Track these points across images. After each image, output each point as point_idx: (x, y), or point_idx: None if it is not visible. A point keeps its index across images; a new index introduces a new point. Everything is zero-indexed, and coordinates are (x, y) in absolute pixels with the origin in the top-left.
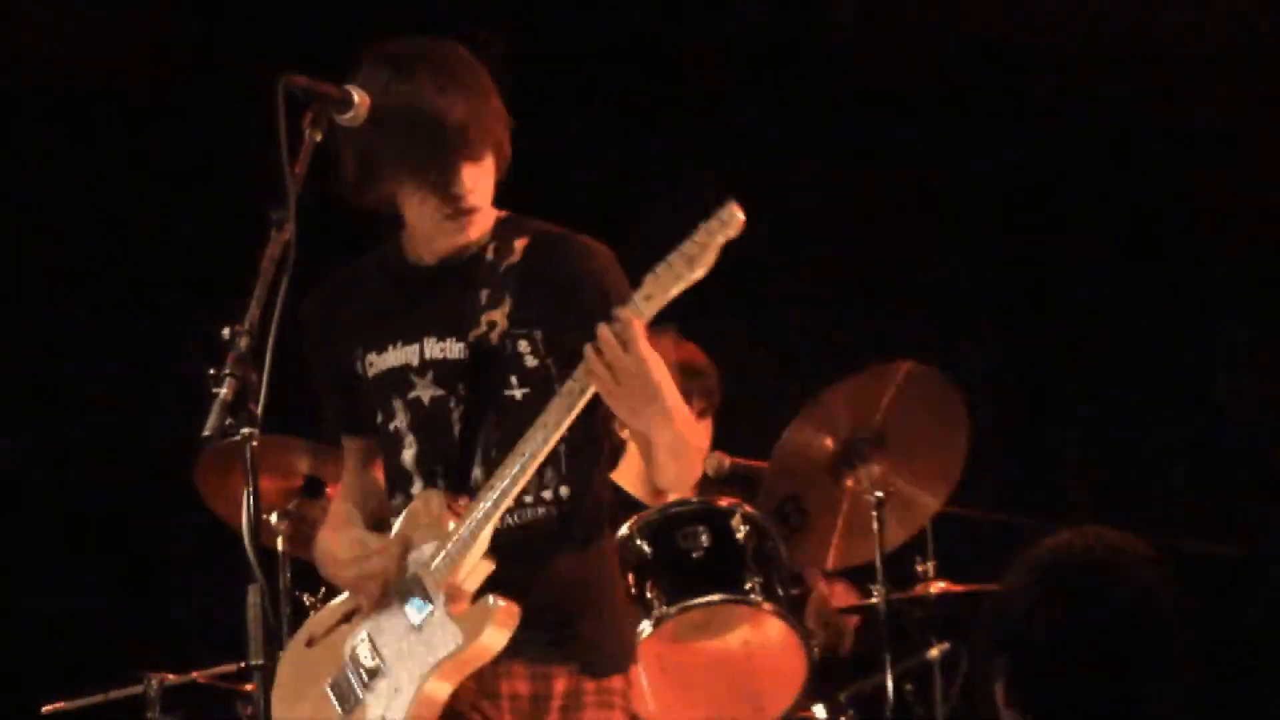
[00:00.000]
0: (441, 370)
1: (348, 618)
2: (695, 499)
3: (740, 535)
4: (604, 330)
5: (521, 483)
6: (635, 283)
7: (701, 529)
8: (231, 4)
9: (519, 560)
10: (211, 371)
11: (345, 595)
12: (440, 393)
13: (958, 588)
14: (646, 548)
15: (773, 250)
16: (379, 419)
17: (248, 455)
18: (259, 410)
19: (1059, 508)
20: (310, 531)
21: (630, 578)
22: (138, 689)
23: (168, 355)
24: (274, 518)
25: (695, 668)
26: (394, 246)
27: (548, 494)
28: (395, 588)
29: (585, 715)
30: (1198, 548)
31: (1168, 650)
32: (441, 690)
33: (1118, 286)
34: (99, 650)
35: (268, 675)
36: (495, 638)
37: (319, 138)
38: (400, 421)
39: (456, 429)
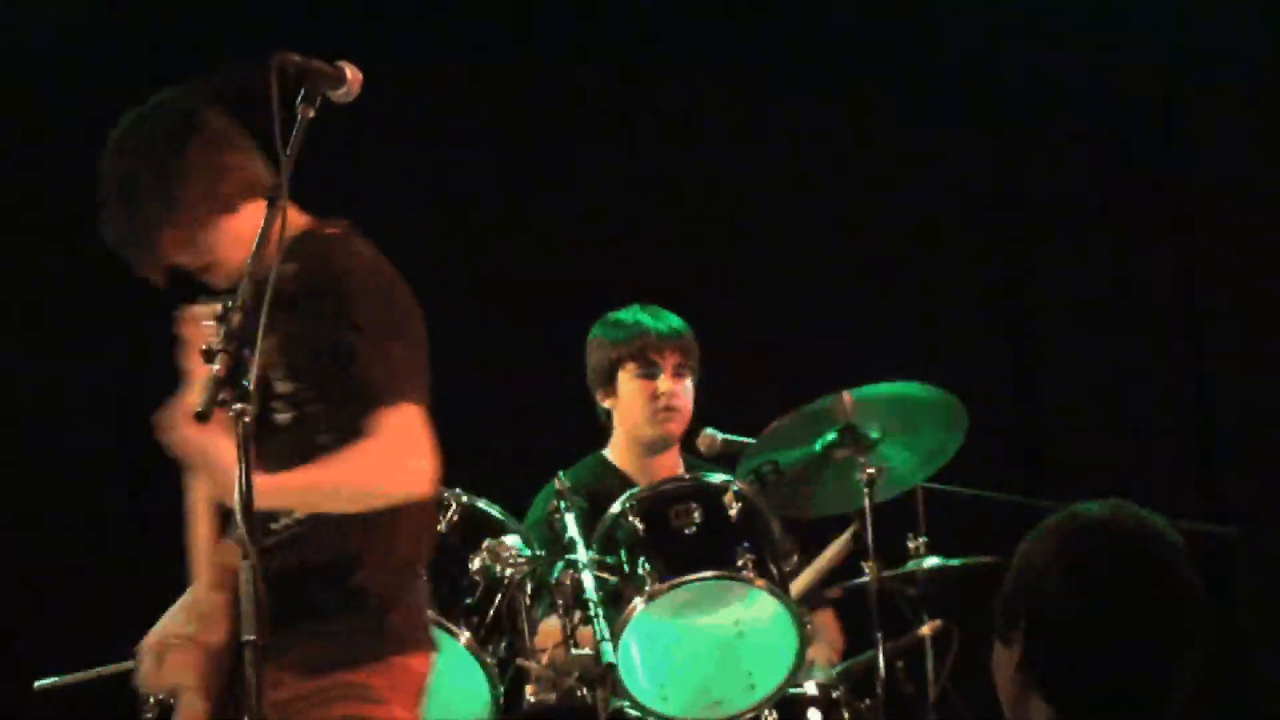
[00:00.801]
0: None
1: None
2: (687, 476)
3: (733, 513)
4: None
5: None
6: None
7: (694, 506)
8: None
9: (271, 575)
10: (204, 348)
11: None
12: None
13: (950, 564)
14: (639, 524)
15: (781, 245)
16: None
17: (240, 431)
18: (251, 386)
19: (1051, 484)
20: None
21: (623, 554)
22: (131, 665)
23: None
24: None
25: (687, 644)
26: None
27: (285, 520)
28: None
29: (311, 715)
30: (1190, 527)
31: (1198, 636)
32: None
33: (1108, 259)
34: (92, 626)
35: (259, 651)
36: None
37: (312, 115)
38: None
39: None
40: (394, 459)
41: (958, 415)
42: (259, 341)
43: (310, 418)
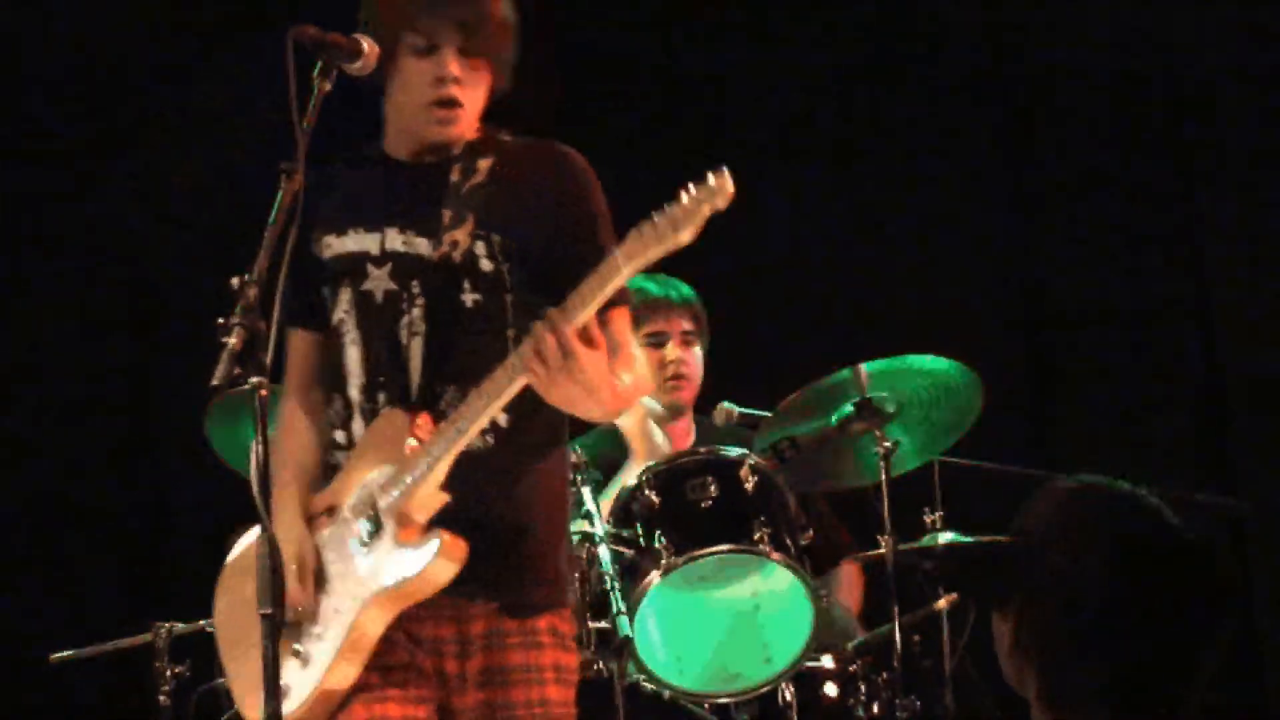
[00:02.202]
0: (400, 264)
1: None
2: (703, 450)
3: (749, 486)
4: (539, 328)
5: (484, 421)
6: (621, 237)
7: (710, 479)
8: None
9: (455, 490)
10: (220, 321)
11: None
12: (393, 288)
13: (966, 539)
14: (655, 498)
15: (797, 216)
16: (324, 308)
17: (256, 405)
18: (268, 359)
19: (1065, 458)
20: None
21: (639, 528)
22: (146, 638)
23: (177, 304)
24: None
25: (704, 617)
26: (372, 142)
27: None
28: (350, 504)
29: (510, 657)
30: (1202, 501)
31: (1198, 607)
32: (378, 619)
33: (1119, 239)
34: (107, 599)
35: (275, 624)
36: (441, 571)
37: (328, 88)
38: (345, 314)
39: (403, 332)
40: (638, 388)
41: (974, 389)
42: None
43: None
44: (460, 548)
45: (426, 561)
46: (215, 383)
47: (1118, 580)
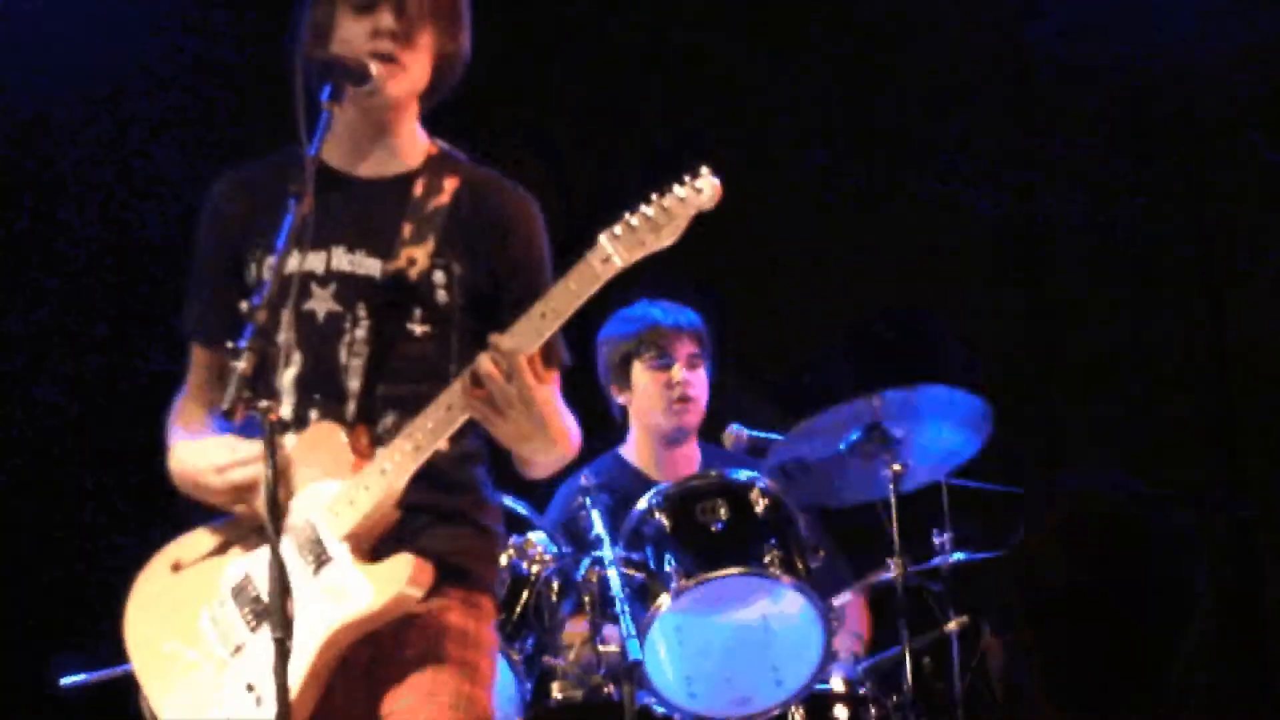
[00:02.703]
0: (346, 285)
1: (223, 547)
2: (713, 472)
3: (759, 509)
4: (484, 361)
5: (443, 439)
6: (589, 239)
7: (720, 502)
8: None
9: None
10: (230, 345)
11: (220, 522)
12: (337, 309)
13: (976, 559)
14: (665, 521)
15: (801, 243)
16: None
17: (266, 427)
18: (277, 383)
19: (1076, 477)
20: None
21: (649, 551)
22: None
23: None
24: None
25: (714, 640)
26: (291, 147)
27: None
28: (288, 524)
29: (450, 616)
30: (1213, 506)
31: (1192, 615)
32: (342, 643)
33: (1137, 288)
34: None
35: (283, 648)
36: (409, 596)
37: (338, 112)
38: (285, 335)
39: (343, 352)
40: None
41: (984, 417)
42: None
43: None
44: (428, 571)
45: (393, 589)
46: (225, 407)
47: (1110, 583)
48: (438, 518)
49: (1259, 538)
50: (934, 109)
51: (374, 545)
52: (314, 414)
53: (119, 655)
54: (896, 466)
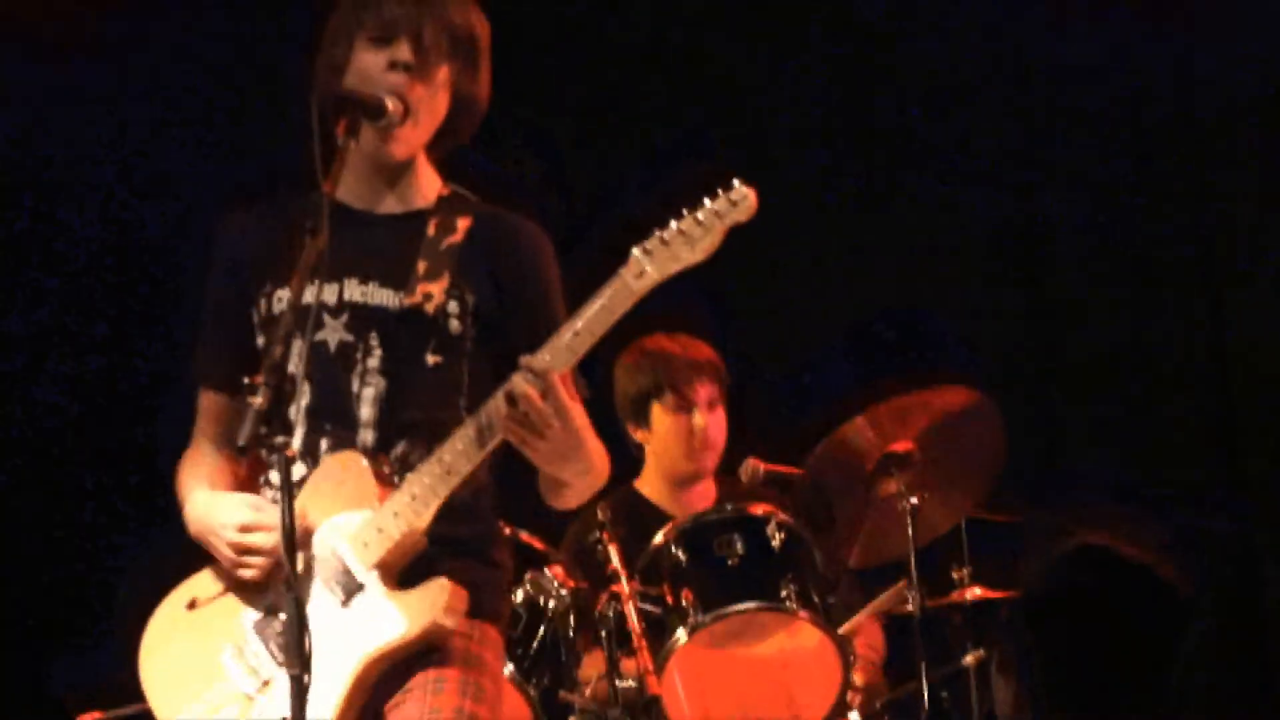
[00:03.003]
0: (358, 315)
1: (241, 584)
2: (730, 507)
3: (775, 543)
4: (519, 382)
5: (475, 464)
6: (622, 257)
7: (737, 537)
8: None
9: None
10: (246, 380)
11: None
12: (349, 338)
13: (993, 594)
14: (682, 555)
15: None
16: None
17: (283, 464)
18: (294, 419)
19: (1090, 511)
20: None
21: (666, 586)
22: None
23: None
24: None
25: (731, 675)
26: (299, 186)
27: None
28: (308, 555)
29: (455, 641)
30: (1213, 506)
31: (1191, 638)
32: (376, 671)
33: (1137, 288)
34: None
35: (301, 686)
36: (445, 623)
37: (353, 146)
38: (294, 366)
39: (355, 382)
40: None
41: (991, 414)
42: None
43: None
44: (462, 596)
45: (428, 616)
46: (242, 443)
47: (1095, 626)
48: (448, 547)
49: (1259, 538)
50: (934, 108)
51: (401, 573)
52: (324, 443)
53: (120, 663)
54: (915, 499)
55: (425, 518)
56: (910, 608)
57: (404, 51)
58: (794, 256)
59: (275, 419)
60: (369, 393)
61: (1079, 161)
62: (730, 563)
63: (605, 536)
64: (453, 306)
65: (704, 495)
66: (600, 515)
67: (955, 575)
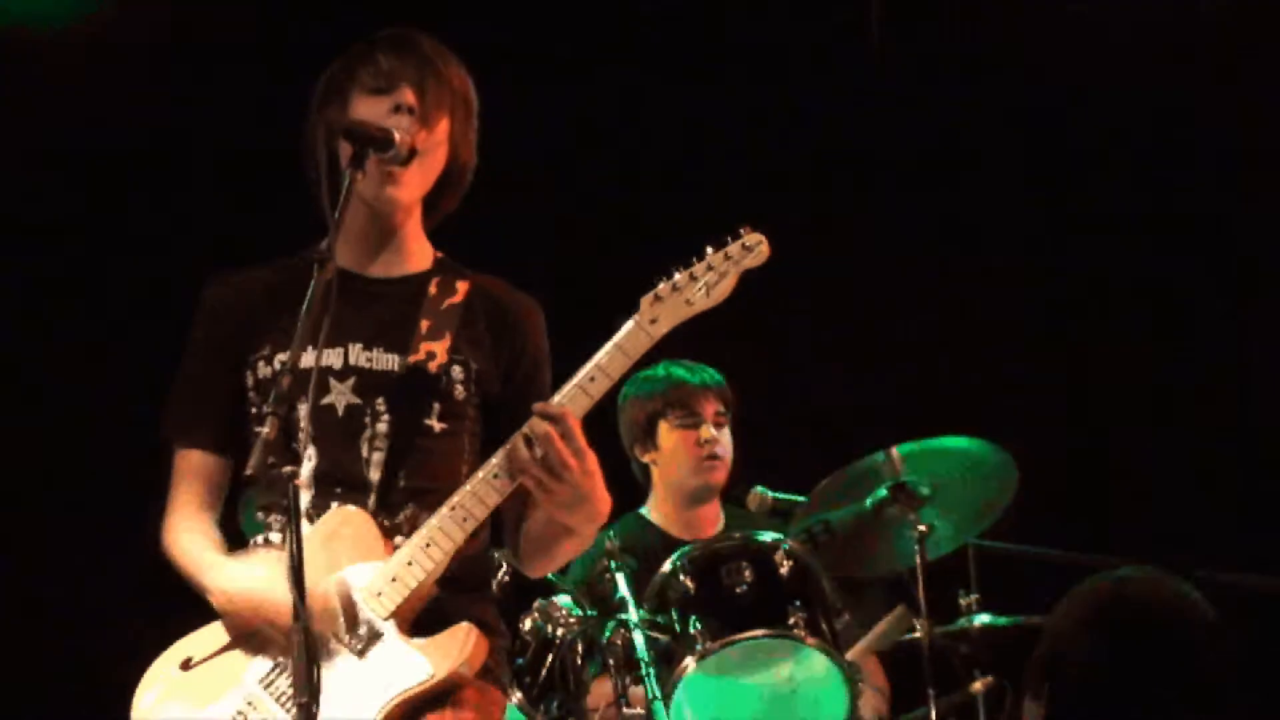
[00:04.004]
0: (364, 379)
1: (239, 641)
2: (738, 534)
3: (783, 571)
4: (537, 424)
5: (491, 508)
6: (631, 304)
7: (745, 565)
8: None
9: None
10: (254, 410)
11: (228, 619)
12: (356, 402)
13: (1001, 622)
14: (690, 584)
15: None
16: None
17: (290, 493)
18: (302, 449)
19: (1103, 542)
20: None
21: (674, 613)
22: None
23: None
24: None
25: (739, 703)
26: (298, 252)
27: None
28: (317, 610)
29: (466, 693)
30: (1244, 580)
31: (1219, 695)
32: (398, 717)
33: (1157, 320)
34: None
35: (307, 714)
36: (470, 668)
37: (361, 178)
38: (300, 429)
39: (364, 446)
40: None
41: (1008, 469)
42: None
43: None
44: (485, 643)
45: (452, 660)
46: (249, 472)
47: (1142, 671)
48: (451, 586)
49: None
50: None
51: (415, 621)
52: (335, 505)
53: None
54: (922, 527)
55: (441, 565)
56: (918, 635)
57: (407, 96)
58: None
59: (285, 450)
60: (378, 457)
61: (1111, 217)
62: (738, 591)
63: (612, 565)
64: (456, 371)
65: (711, 518)
66: (608, 544)
67: (963, 603)
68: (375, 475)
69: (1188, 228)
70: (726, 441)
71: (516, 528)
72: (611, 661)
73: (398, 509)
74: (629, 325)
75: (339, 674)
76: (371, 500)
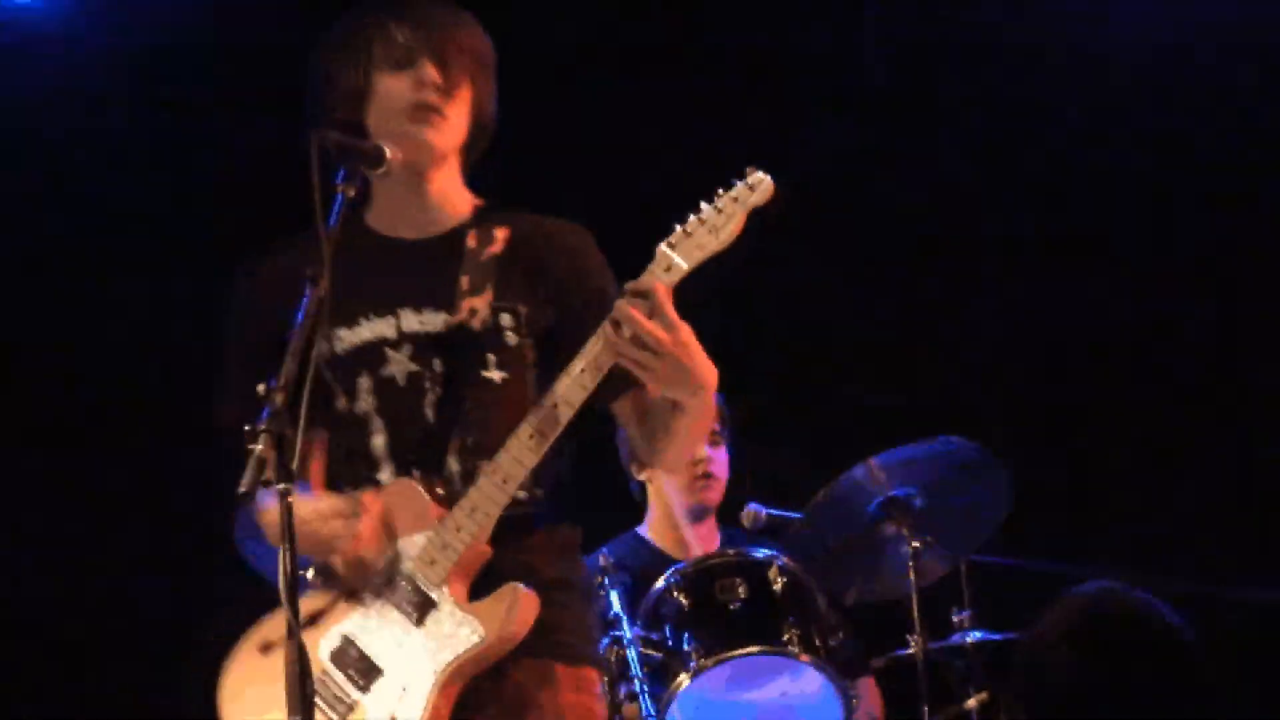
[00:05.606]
0: (419, 344)
1: (310, 620)
2: (731, 551)
3: (777, 587)
4: (622, 305)
5: (527, 470)
6: (648, 251)
7: (739, 580)
8: None
9: (503, 549)
10: (247, 428)
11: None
12: (415, 368)
13: (995, 637)
14: (684, 599)
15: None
16: (340, 403)
17: (284, 511)
18: (294, 466)
19: (1096, 555)
20: None
21: (667, 630)
22: None
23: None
24: (309, 574)
25: (734, 719)
26: (354, 221)
27: (524, 493)
28: (378, 583)
29: (564, 697)
30: (1240, 593)
31: (1197, 700)
32: (457, 685)
33: (1156, 333)
34: (138, 711)
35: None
36: (520, 628)
37: (352, 194)
38: (366, 404)
39: (429, 411)
40: None
41: (997, 471)
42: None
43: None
44: (534, 600)
45: (504, 622)
46: (243, 489)
47: (1115, 682)
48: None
49: None
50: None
51: (471, 584)
52: (416, 474)
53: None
54: (916, 543)
55: (487, 528)
56: (914, 651)
57: (430, 73)
58: (812, 366)
59: (279, 467)
60: (442, 419)
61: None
62: (732, 607)
63: (606, 582)
64: (505, 319)
65: (707, 537)
66: (602, 561)
67: (956, 619)
68: (443, 438)
69: (1175, 237)
70: (721, 460)
71: (639, 428)
72: (605, 679)
73: (473, 472)
74: (645, 276)
75: (400, 645)
76: (447, 464)
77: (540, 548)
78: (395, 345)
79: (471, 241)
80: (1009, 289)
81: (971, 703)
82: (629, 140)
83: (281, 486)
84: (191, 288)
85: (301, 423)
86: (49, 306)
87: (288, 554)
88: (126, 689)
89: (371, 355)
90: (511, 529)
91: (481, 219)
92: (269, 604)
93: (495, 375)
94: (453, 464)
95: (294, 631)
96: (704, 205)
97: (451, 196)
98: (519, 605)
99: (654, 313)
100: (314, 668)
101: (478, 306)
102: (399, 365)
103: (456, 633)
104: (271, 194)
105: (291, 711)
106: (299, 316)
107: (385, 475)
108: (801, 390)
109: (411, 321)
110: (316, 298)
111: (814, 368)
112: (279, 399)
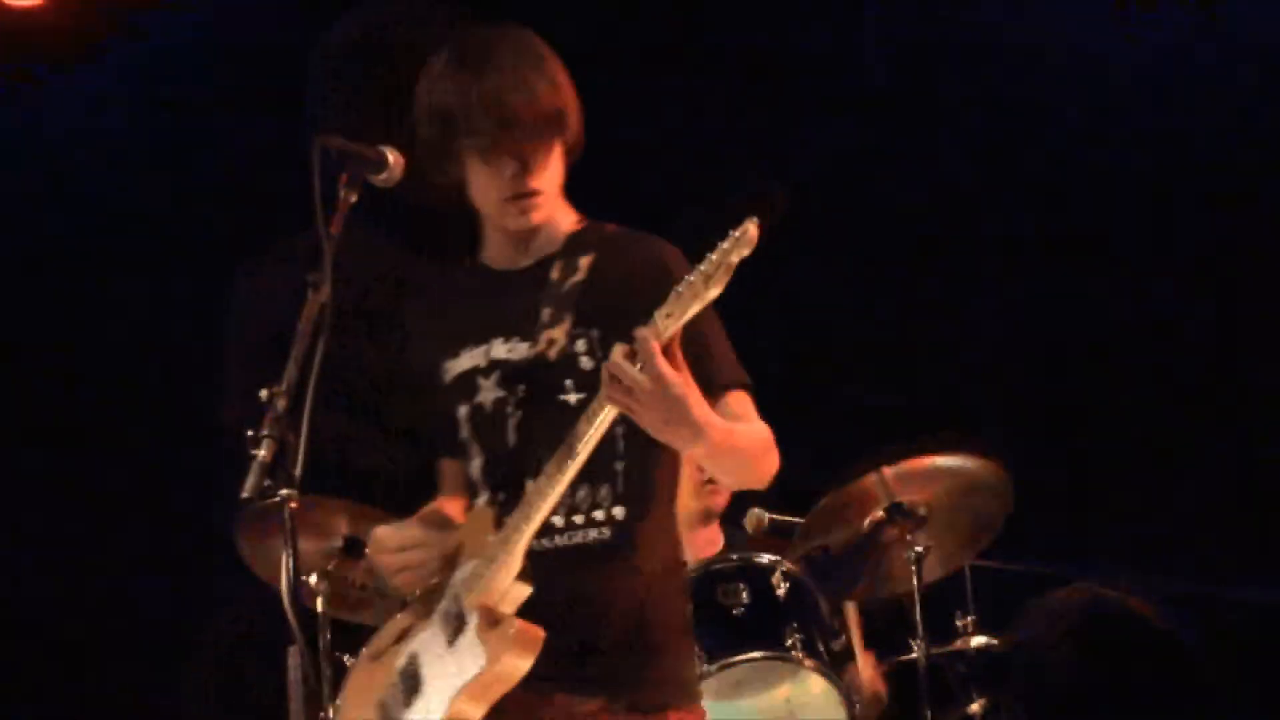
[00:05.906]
0: (505, 370)
1: (403, 634)
2: (734, 556)
3: (780, 592)
4: (617, 352)
5: (552, 500)
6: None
7: (742, 586)
8: None
9: (563, 584)
10: (250, 433)
11: (406, 609)
12: (501, 394)
13: (998, 642)
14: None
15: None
16: (452, 432)
17: (286, 517)
18: (297, 471)
19: (1096, 555)
20: (350, 592)
21: None
22: None
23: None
24: (313, 579)
25: None
26: (466, 251)
27: (600, 514)
28: (438, 605)
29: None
30: (1241, 594)
31: (1197, 701)
32: (471, 713)
33: (1156, 333)
34: (138, 711)
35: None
36: (514, 662)
37: (354, 199)
38: (465, 431)
39: (512, 436)
40: (770, 441)
41: (1003, 487)
42: None
43: None
44: (535, 635)
45: (499, 654)
46: (245, 495)
47: (1099, 679)
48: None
49: None
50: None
51: (507, 616)
52: (502, 496)
53: None
54: (918, 548)
55: (516, 556)
56: (916, 655)
57: (514, 167)
58: (815, 371)
59: (280, 472)
60: (523, 443)
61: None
62: (735, 612)
63: None
64: (580, 345)
65: (712, 541)
66: None
67: (959, 623)
68: (524, 461)
69: (1175, 237)
70: None
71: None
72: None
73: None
74: (644, 327)
75: (432, 664)
76: (525, 486)
77: (622, 584)
78: (485, 373)
79: (555, 273)
80: (1009, 289)
81: (974, 708)
82: (629, 140)
83: (284, 492)
84: (191, 288)
85: (304, 428)
86: (49, 306)
87: (290, 559)
88: (126, 689)
89: (467, 384)
90: (570, 561)
91: (571, 247)
92: (269, 604)
93: (572, 398)
94: (530, 486)
95: (296, 637)
96: (704, 259)
97: (550, 224)
98: (510, 639)
99: (642, 363)
100: (387, 679)
101: (556, 337)
102: (488, 392)
103: (466, 659)
104: (271, 194)
105: (294, 717)
106: (301, 322)
107: (482, 500)
108: (802, 391)
109: (500, 350)
110: (317, 303)
111: (814, 368)
112: (281, 405)
